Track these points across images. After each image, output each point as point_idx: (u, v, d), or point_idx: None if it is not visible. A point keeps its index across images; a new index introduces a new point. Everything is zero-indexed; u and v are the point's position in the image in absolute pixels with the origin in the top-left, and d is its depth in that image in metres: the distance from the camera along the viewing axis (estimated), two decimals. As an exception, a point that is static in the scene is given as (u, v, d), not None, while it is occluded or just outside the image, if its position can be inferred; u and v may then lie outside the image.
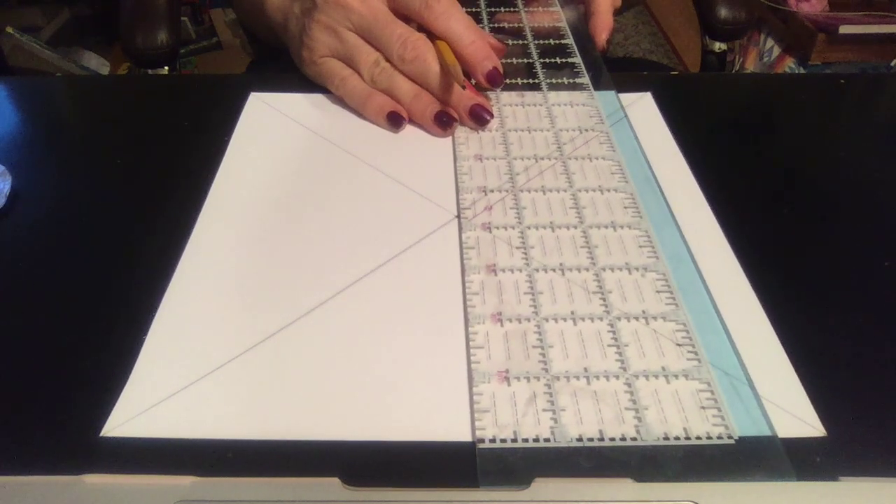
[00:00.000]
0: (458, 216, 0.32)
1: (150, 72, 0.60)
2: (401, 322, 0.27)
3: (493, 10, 0.50)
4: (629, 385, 0.24)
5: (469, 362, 0.25)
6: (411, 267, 0.30)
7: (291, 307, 0.28)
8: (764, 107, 0.44)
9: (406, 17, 0.38)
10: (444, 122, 0.38)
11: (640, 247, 0.30)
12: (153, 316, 0.27)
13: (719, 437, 0.23)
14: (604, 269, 0.29)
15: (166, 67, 0.61)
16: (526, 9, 0.50)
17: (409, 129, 0.39)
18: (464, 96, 0.38)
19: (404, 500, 0.21)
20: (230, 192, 0.34)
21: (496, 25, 0.48)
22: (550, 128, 0.38)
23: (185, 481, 0.21)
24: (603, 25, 0.46)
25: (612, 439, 0.23)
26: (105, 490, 0.21)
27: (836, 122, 0.41)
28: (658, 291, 0.28)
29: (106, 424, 0.23)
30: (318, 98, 0.41)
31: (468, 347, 0.26)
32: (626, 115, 0.39)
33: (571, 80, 0.42)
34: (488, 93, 0.41)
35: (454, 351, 0.26)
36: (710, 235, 0.31)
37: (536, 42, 0.46)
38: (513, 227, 0.31)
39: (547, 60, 0.44)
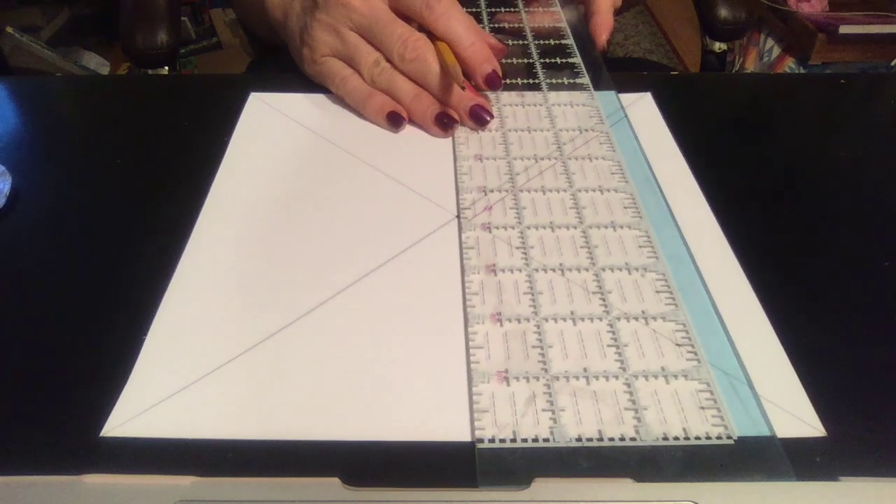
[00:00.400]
0: (458, 216, 0.32)
1: (150, 72, 0.60)
2: (400, 322, 0.27)
3: (493, 10, 0.50)
4: (628, 385, 0.24)
5: (468, 362, 0.25)
6: (411, 267, 0.30)
7: (291, 307, 0.28)
8: (764, 107, 0.44)
9: (407, 17, 0.38)
10: (444, 124, 0.38)
11: (640, 247, 0.30)
12: (153, 316, 0.27)
13: (719, 438, 0.23)
14: (603, 270, 0.29)
15: (166, 67, 0.61)
16: (526, 9, 0.50)
17: (409, 129, 0.39)
18: (464, 97, 0.38)
19: (404, 500, 0.21)
20: (230, 192, 0.34)
21: (496, 25, 0.48)
22: (550, 128, 0.38)
23: (185, 481, 0.21)
24: (603, 25, 0.46)
25: (612, 439, 0.23)
26: (105, 490, 0.21)
27: (836, 122, 0.41)
28: (658, 291, 0.28)
29: (106, 424, 0.23)
30: (318, 98, 0.41)
31: (468, 347, 0.26)
32: (626, 115, 0.39)
33: (571, 80, 0.42)
34: (488, 93, 0.41)
35: (454, 351, 0.26)
36: (710, 235, 0.31)
37: (536, 42, 0.46)
38: (513, 227, 0.31)
39: (547, 60, 0.44)
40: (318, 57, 0.40)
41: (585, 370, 0.25)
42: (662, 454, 0.22)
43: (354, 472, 0.22)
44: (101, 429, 0.23)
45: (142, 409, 0.24)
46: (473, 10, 0.49)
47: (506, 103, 0.40)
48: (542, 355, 0.25)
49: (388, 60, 0.38)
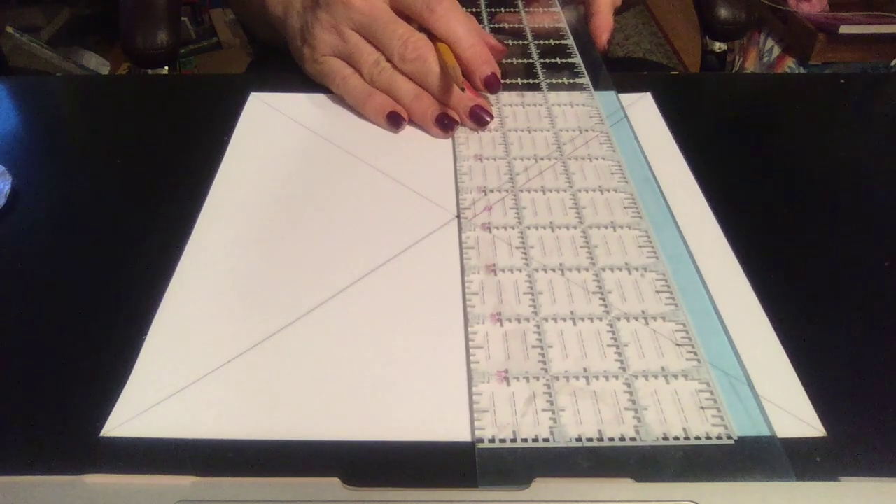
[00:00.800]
0: (458, 216, 0.32)
1: (150, 72, 0.60)
2: (401, 322, 0.27)
3: (493, 10, 0.50)
4: (628, 385, 0.24)
5: (468, 362, 0.25)
6: (411, 267, 0.30)
7: (291, 307, 0.28)
8: (764, 107, 0.44)
9: (408, 18, 0.38)
10: (444, 124, 0.38)
11: (640, 247, 0.30)
12: (153, 316, 0.27)
13: (719, 438, 0.23)
14: (603, 270, 0.29)
15: (166, 67, 0.61)
16: (526, 9, 0.50)
17: (409, 129, 0.39)
18: (464, 97, 0.38)
19: (404, 500, 0.21)
20: (230, 192, 0.34)
21: (496, 26, 0.48)
22: (550, 128, 0.38)
23: (185, 481, 0.21)
24: (604, 26, 0.46)
25: (612, 439, 0.23)
26: (105, 490, 0.21)
27: (836, 122, 0.41)
28: (658, 291, 0.28)
29: (106, 424, 0.23)
30: (319, 98, 0.41)
31: (468, 347, 0.26)
32: (626, 115, 0.39)
33: (571, 81, 0.42)
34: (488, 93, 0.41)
35: (454, 351, 0.26)
36: (710, 235, 0.31)
37: (536, 42, 0.46)
38: (512, 227, 0.31)
39: (547, 61, 0.44)
40: (318, 56, 0.40)
41: (585, 370, 0.25)
42: (662, 454, 0.22)
43: (354, 472, 0.22)
44: (101, 429, 0.23)
45: (142, 409, 0.24)
46: (473, 10, 0.49)
47: (506, 103, 0.40)
48: (542, 355, 0.25)
49: (389, 60, 0.38)
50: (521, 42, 0.46)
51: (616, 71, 0.43)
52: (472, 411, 0.24)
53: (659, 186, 0.34)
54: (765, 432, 0.23)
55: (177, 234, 0.31)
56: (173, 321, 0.27)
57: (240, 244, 0.31)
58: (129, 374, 0.25)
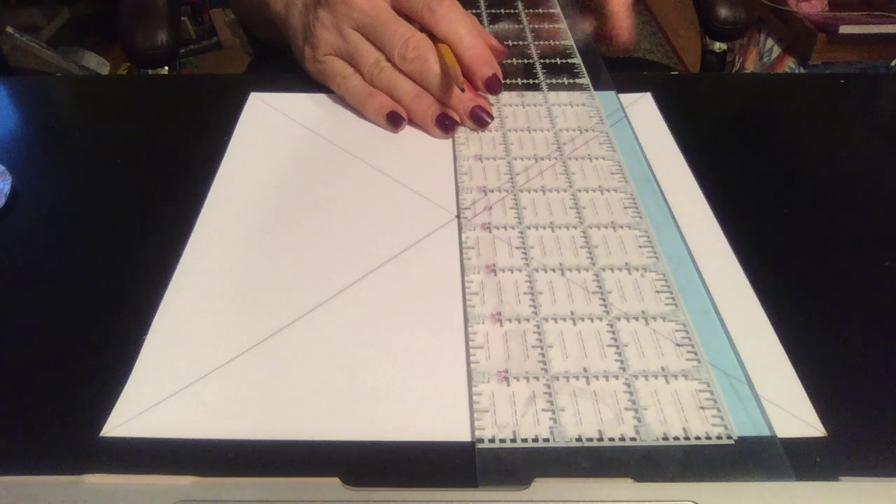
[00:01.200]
0: (458, 216, 0.32)
1: (150, 72, 0.60)
2: (400, 322, 0.27)
3: (493, 10, 0.50)
4: (628, 385, 0.24)
5: (468, 362, 0.25)
6: (411, 267, 0.30)
7: (291, 307, 0.28)
8: (764, 107, 0.44)
9: (409, 18, 0.38)
10: (445, 125, 0.38)
11: (640, 247, 0.30)
12: (153, 316, 0.27)
13: (719, 438, 0.23)
14: (603, 270, 0.29)
15: (166, 67, 0.61)
16: (526, 10, 0.50)
17: (409, 129, 0.39)
18: (464, 98, 0.38)
19: (404, 500, 0.21)
20: (230, 192, 0.34)
21: (496, 26, 0.48)
22: (550, 128, 0.38)
23: (185, 481, 0.21)
24: (622, 24, 0.44)
25: (612, 439, 0.23)
26: (105, 490, 0.21)
27: (836, 122, 0.41)
28: (658, 292, 0.28)
29: (106, 424, 0.23)
30: (318, 98, 0.41)
31: (468, 347, 0.26)
32: (626, 115, 0.39)
33: (571, 81, 0.42)
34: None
35: (454, 351, 0.26)
36: (710, 235, 0.31)
37: (536, 42, 0.46)
38: (512, 227, 0.31)
39: (547, 61, 0.44)
40: (319, 55, 0.40)
41: (585, 370, 0.25)
42: (662, 454, 0.22)
43: (354, 472, 0.22)
44: (101, 429, 0.23)
45: (142, 409, 0.24)
46: (474, 11, 0.49)
47: (506, 103, 0.40)
48: (542, 355, 0.25)
49: (389, 60, 0.38)
50: (521, 42, 0.46)
51: (616, 71, 0.43)
52: (472, 411, 0.24)
53: (659, 186, 0.34)
54: (765, 432, 0.23)
55: (177, 234, 0.31)
56: (173, 321, 0.27)
57: (240, 244, 0.31)
58: (129, 374, 0.25)
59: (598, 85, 0.42)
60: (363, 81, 0.39)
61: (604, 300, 0.28)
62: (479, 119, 0.38)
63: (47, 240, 0.32)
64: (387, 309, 0.28)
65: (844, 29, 1.31)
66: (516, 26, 0.48)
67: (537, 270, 0.29)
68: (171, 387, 0.24)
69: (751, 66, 1.52)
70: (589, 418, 0.23)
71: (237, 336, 0.26)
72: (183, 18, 1.64)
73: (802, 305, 0.28)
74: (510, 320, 0.27)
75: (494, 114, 0.39)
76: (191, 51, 1.71)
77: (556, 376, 0.25)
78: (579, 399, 0.24)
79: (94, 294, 0.29)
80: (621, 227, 0.31)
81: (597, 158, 0.36)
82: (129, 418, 0.23)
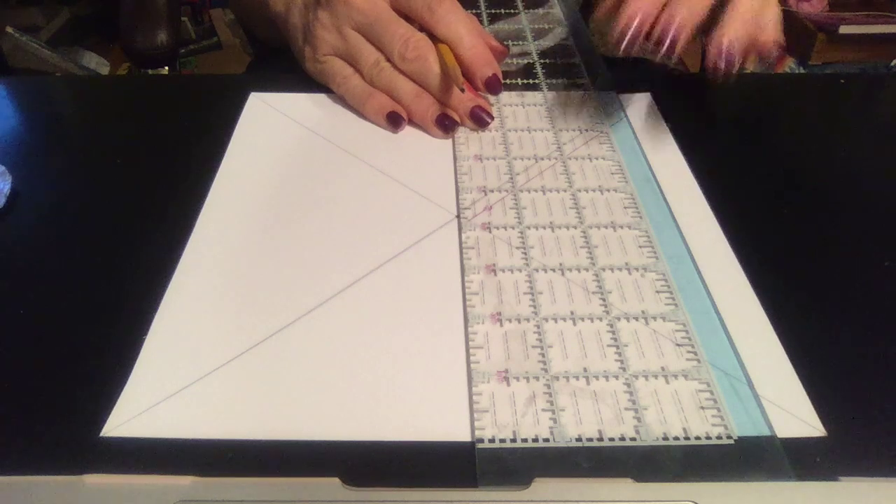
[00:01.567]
0: (458, 216, 0.32)
1: (150, 72, 0.60)
2: (400, 322, 0.27)
3: (493, 10, 0.50)
4: (628, 385, 0.24)
5: (468, 362, 0.25)
6: (411, 267, 0.30)
7: (291, 307, 0.28)
8: (764, 107, 0.44)
9: (409, 18, 0.38)
10: (445, 125, 0.38)
11: (640, 247, 0.30)
12: (153, 316, 0.27)
13: (718, 438, 0.23)
14: (603, 269, 0.29)
15: (166, 67, 0.61)
16: (526, 10, 0.50)
17: (409, 129, 0.39)
18: (464, 98, 0.38)
19: (404, 500, 0.21)
20: (230, 192, 0.34)
21: (496, 26, 0.48)
22: (550, 128, 0.38)
23: (185, 481, 0.21)
24: (727, 44, 0.33)
25: (612, 439, 0.23)
26: (105, 490, 0.21)
27: (836, 122, 0.41)
28: (658, 291, 0.28)
29: (106, 424, 0.23)
30: (318, 98, 0.41)
31: (468, 347, 0.26)
32: (626, 115, 0.39)
33: (571, 81, 0.42)
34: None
35: (454, 351, 0.26)
36: (710, 235, 0.31)
37: (536, 43, 0.46)
38: (512, 227, 0.31)
39: (547, 61, 0.44)
40: (319, 55, 0.40)
41: (585, 370, 0.25)
42: (662, 454, 0.22)
43: (354, 472, 0.22)
44: (101, 429, 0.23)
45: (142, 409, 0.24)
46: (473, 11, 0.49)
47: (506, 103, 0.40)
48: (542, 355, 0.25)
49: (389, 60, 0.38)
50: (520, 42, 0.46)
51: (616, 71, 0.43)
52: (472, 411, 0.24)
53: (659, 186, 0.34)
54: (765, 432, 0.23)
55: (177, 234, 0.31)
56: (173, 321, 0.27)
57: (240, 244, 0.31)
58: (129, 374, 0.25)
59: (598, 85, 0.42)
60: (363, 81, 0.39)
61: (604, 300, 0.28)
62: (479, 119, 0.38)
63: (47, 240, 0.32)
64: (387, 309, 0.28)
65: (844, 29, 1.31)
66: (516, 26, 0.48)
67: (537, 270, 0.29)
68: (171, 387, 0.24)
69: (751, 65, 1.52)
70: (589, 418, 0.23)
71: (237, 336, 0.26)
72: (183, 18, 1.64)
73: (802, 305, 0.28)
74: (510, 320, 0.27)
75: (494, 114, 0.39)
76: (191, 51, 1.71)
77: (556, 376, 0.25)
78: (579, 399, 0.24)
79: (94, 294, 0.29)
80: (621, 227, 0.31)
81: (597, 158, 0.36)
82: (129, 418, 0.23)
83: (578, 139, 0.38)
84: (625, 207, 0.33)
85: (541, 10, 0.50)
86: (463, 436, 0.23)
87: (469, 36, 0.37)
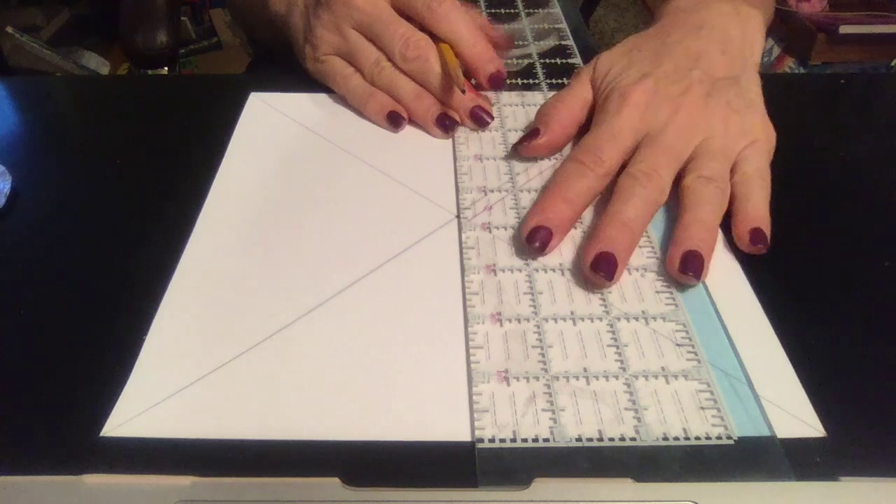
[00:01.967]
0: (458, 216, 0.32)
1: (150, 72, 0.60)
2: (400, 322, 0.27)
3: (493, 10, 0.50)
4: (628, 385, 0.24)
5: (468, 362, 0.25)
6: (411, 267, 0.30)
7: (291, 307, 0.28)
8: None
9: (409, 17, 0.38)
10: (445, 125, 0.38)
11: (640, 247, 0.30)
12: (153, 316, 0.27)
13: (718, 438, 0.23)
14: (604, 270, 0.29)
15: (166, 67, 0.61)
16: (526, 10, 0.50)
17: (409, 129, 0.39)
18: (465, 98, 0.38)
19: (404, 500, 0.21)
20: (230, 193, 0.34)
21: (496, 26, 0.48)
22: (550, 128, 0.38)
23: (185, 481, 0.21)
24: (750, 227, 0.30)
25: (612, 439, 0.23)
26: (105, 490, 0.21)
27: (836, 122, 0.41)
28: (657, 292, 0.28)
29: (106, 424, 0.23)
30: (318, 98, 0.41)
31: (468, 347, 0.26)
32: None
33: (571, 81, 0.42)
34: (488, 93, 0.41)
35: (454, 351, 0.26)
36: (710, 235, 0.31)
37: (537, 43, 0.46)
38: (512, 227, 0.31)
39: (547, 61, 0.44)
40: (320, 55, 0.40)
41: (585, 370, 0.25)
42: (662, 454, 0.22)
43: (354, 472, 0.22)
44: (101, 429, 0.23)
45: (142, 409, 0.24)
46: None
47: (506, 103, 0.40)
48: (542, 355, 0.25)
49: (390, 60, 0.38)
50: (520, 43, 0.46)
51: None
52: (472, 411, 0.24)
53: (659, 186, 0.34)
54: (765, 432, 0.23)
55: (177, 234, 0.31)
56: (173, 321, 0.27)
57: (240, 244, 0.31)
58: (129, 374, 0.25)
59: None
60: (363, 81, 0.39)
61: (604, 300, 0.28)
62: (480, 119, 0.38)
63: (47, 240, 0.32)
64: (387, 309, 0.28)
65: (844, 29, 1.31)
66: (516, 27, 0.48)
67: (537, 270, 0.29)
68: (171, 387, 0.24)
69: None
70: (589, 418, 0.23)
71: (237, 336, 0.26)
72: (183, 18, 1.64)
73: (802, 305, 0.28)
74: (510, 320, 0.27)
75: (494, 114, 0.39)
76: (191, 51, 1.71)
77: (556, 376, 0.25)
78: (579, 399, 0.24)
79: (94, 294, 0.29)
80: (621, 227, 0.31)
81: (597, 158, 0.36)
82: (129, 418, 0.23)
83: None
84: (625, 207, 0.33)
85: (541, 11, 0.50)
86: (463, 436, 0.23)
87: (470, 34, 0.37)
